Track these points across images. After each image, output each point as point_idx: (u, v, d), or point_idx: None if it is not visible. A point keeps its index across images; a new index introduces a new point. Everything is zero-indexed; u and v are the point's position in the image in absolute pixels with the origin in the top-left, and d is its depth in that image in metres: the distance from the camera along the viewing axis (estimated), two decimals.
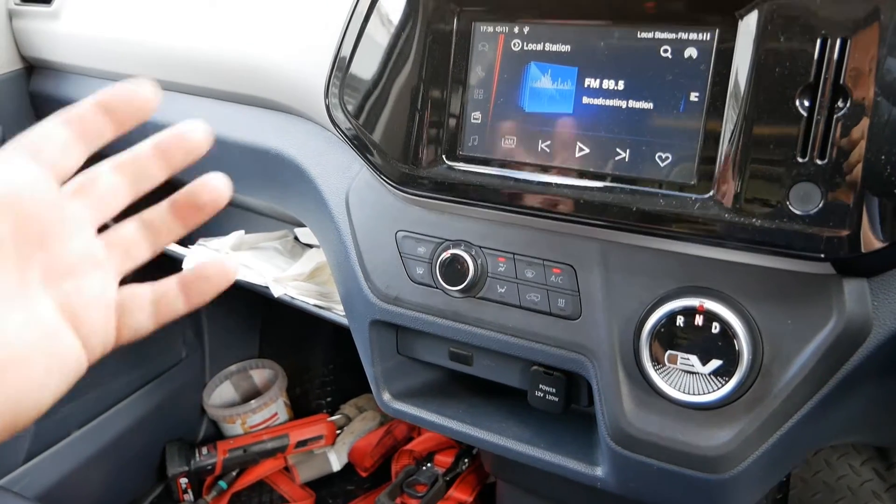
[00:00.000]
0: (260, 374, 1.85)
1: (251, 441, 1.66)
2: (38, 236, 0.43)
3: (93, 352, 0.46)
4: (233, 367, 1.82)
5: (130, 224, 0.50)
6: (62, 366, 0.43)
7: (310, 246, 1.23)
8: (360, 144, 0.78)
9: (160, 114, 1.06)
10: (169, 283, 0.50)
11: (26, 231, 0.42)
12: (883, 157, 0.55)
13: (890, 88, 0.54)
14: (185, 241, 1.22)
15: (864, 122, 0.55)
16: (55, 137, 0.44)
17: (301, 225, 1.15)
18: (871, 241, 0.56)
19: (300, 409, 1.85)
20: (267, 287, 1.05)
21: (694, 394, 0.65)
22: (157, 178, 0.50)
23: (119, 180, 0.48)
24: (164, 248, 0.51)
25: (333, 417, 1.75)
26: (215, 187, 0.50)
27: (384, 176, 0.77)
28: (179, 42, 1.00)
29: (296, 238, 1.24)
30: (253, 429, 1.72)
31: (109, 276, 0.47)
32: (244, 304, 1.79)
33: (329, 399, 1.88)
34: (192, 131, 0.50)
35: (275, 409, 1.75)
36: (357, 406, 1.81)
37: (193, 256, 1.10)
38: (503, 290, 0.75)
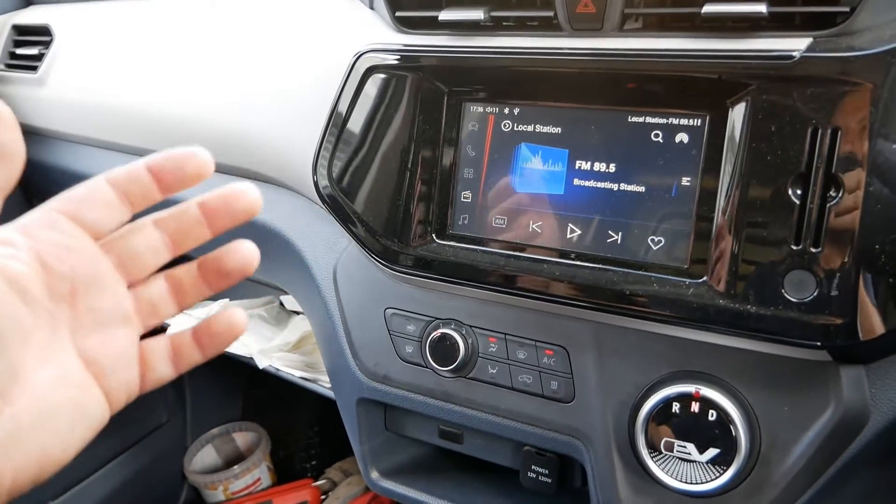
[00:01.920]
0: (243, 437, 1.81)
1: None
2: (69, 294, 0.43)
3: (116, 403, 0.46)
4: (215, 431, 1.77)
5: (160, 281, 0.49)
6: (87, 419, 0.44)
7: (296, 312, 1.21)
8: (348, 221, 0.77)
9: None
10: (184, 336, 0.50)
11: (57, 289, 0.43)
12: (877, 246, 0.54)
13: (881, 177, 0.54)
14: None
15: (857, 211, 0.55)
16: (100, 196, 0.45)
17: (287, 292, 1.14)
18: (868, 328, 0.56)
19: (284, 472, 1.80)
20: (251, 358, 1.03)
21: (691, 482, 0.64)
22: (200, 239, 0.49)
23: (159, 238, 0.48)
24: (188, 307, 0.51)
25: (318, 482, 1.70)
26: (243, 255, 0.49)
27: (372, 253, 0.76)
28: (168, 111, 0.99)
29: (281, 304, 1.22)
30: (235, 495, 1.67)
31: (135, 332, 0.48)
32: (227, 364, 1.75)
33: (314, 462, 1.83)
34: (242, 195, 0.49)
35: (258, 473, 1.70)
36: (342, 470, 1.76)
37: (177, 324, 1.08)
38: (494, 371, 0.74)
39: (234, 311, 0.50)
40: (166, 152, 0.47)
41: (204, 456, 1.75)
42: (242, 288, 1.29)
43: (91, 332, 0.45)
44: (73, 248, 0.44)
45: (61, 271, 0.43)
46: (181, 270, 0.50)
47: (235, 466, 1.66)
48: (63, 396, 0.42)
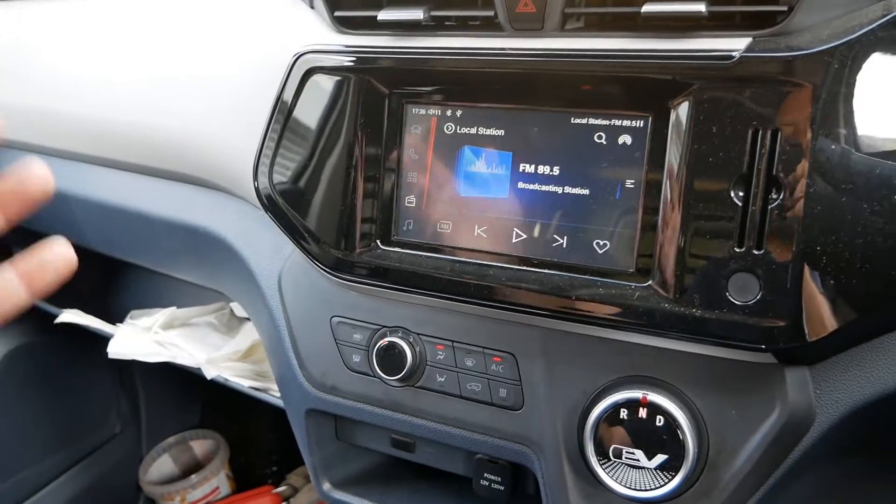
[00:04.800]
0: (201, 444, 1.77)
1: None
2: None
3: None
4: (171, 439, 1.73)
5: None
6: None
7: (248, 319, 1.18)
8: (290, 228, 0.75)
9: (86, 188, 1.01)
10: (7, 277, 0.47)
11: None
12: (818, 248, 0.54)
13: (822, 178, 0.54)
14: (116, 313, 1.16)
15: (799, 213, 0.54)
16: None
17: None
18: (810, 331, 0.55)
19: (244, 480, 1.77)
20: (199, 368, 1.00)
21: (640, 489, 0.63)
22: None
23: None
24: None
25: (279, 489, 1.68)
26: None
27: (316, 261, 0.74)
28: (101, 114, 0.95)
29: (232, 311, 1.19)
30: None
31: None
32: (183, 371, 1.71)
33: (275, 468, 1.80)
34: (30, 179, 0.46)
35: (216, 482, 1.67)
36: (304, 475, 1.73)
37: (121, 335, 1.05)
38: (443, 380, 0.72)
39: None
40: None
41: (160, 465, 1.71)
42: (192, 294, 1.25)
43: None
44: None
45: None
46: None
47: (193, 476, 1.63)
48: None
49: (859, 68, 0.53)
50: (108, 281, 1.46)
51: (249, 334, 1.09)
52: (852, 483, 0.73)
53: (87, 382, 1.55)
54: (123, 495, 1.66)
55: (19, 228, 1.21)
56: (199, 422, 1.83)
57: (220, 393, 1.83)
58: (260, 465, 1.81)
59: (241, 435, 1.82)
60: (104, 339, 1.06)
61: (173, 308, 1.12)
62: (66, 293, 1.36)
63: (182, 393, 1.79)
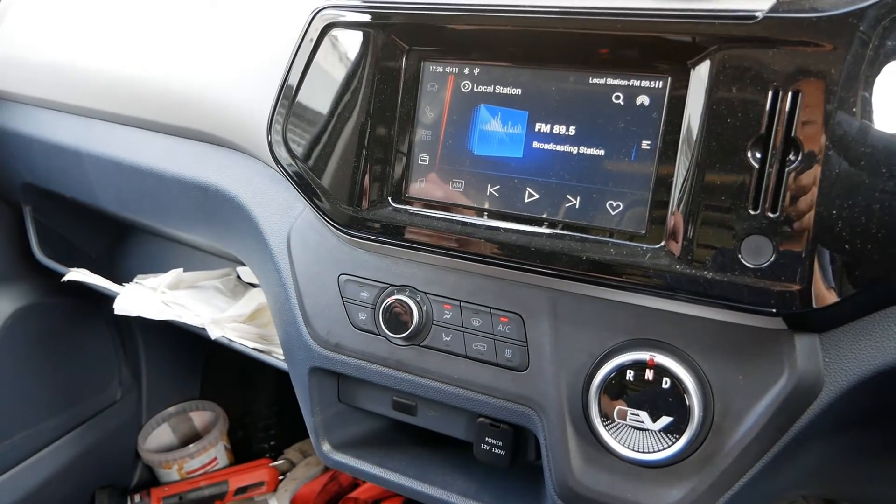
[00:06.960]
0: (200, 416, 1.78)
1: (188, 488, 1.58)
2: None
3: None
4: (171, 409, 1.74)
5: None
6: None
7: (253, 285, 1.18)
8: (302, 184, 0.75)
9: (99, 145, 1.01)
10: None
11: None
12: (834, 212, 0.54)
13: (841, 142, 0.53)
14: (122, 278, 1.16)
15: (816, 176, 0.54)
16: None
17: (244, 263, 1.11)
18: (823, 296, 0.55)
19: (242, 453, 1.78)
20: (204, 328, 1.00)
21: (644, 451, 0.62)
22: None
23: None
24: None
25: (276, 462, 1.68)
26: None
27: (327, 217, 0.74)
28: (117, 70, 0.95)
29: (238, 277, 1.19)
30: (190, 474, 1.64)
31: None
32: (185, 341, 1.72)
33: (272, 443, 1.80)
34: None
35: (214, 453, 1.67)
36: (301, 450, 1.74)
37: (127, 294, 1.04)
38: (448, 339, 0.72)
39: None
40: None
41: (159, 435, 1.72)
42: (199, 259, 1.25)
43: None
44: None
45: None
46: None
47: (191, 445, 1.64)
48: None
49: (885, 30, 0.52)
50: (116, 246, 1.46)
51: (254, 299, 1.09)
52: (857, 462, 0.73)
53: (90, 347, 1.56)
54: (121, 461, 1.66)
55: (31, 187, 1.22)
56: (200, 393, 1.84)
57: (221, 367, 1.84)
58: (258, 440, 1.82)
59: (241, 409, 1.82)
60: (109, 305, 1.06)
61: (180, 270, 1.12)
62: (74, 258, 1.36)
63: (183, 363, 1.80)
